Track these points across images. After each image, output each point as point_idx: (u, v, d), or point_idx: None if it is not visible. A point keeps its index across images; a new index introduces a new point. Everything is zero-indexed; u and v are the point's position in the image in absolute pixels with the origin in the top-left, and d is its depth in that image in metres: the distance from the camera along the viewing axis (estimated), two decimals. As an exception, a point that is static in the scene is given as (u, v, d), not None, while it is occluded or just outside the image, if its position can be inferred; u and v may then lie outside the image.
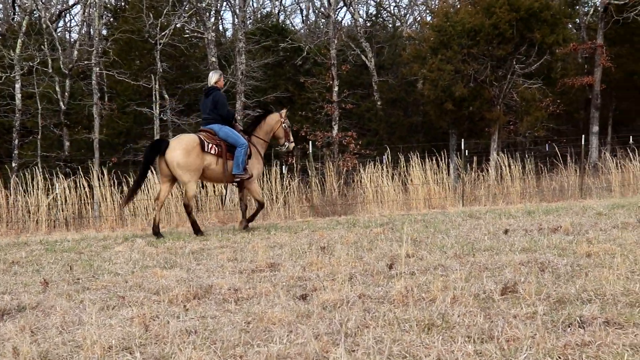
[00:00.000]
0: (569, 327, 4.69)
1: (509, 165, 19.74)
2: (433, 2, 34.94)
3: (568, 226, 9.80)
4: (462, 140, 20.63)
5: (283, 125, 13.20)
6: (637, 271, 6.41)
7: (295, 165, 21.78)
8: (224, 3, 33.85)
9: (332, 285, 6.28)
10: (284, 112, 13.47)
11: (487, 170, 20.46)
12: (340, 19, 42.95)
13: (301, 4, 45.94)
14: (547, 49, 23.05)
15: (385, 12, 38.47)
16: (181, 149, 11.83)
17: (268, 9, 42.99)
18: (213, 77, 12.56)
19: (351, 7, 33.16)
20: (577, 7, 33.80)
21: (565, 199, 18.59)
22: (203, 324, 5.22)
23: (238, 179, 12.46)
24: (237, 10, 29.18)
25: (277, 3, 43.97)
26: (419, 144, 26.87)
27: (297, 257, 8.33)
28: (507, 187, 19.55)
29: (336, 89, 27.47)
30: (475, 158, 20.50)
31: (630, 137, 23.49)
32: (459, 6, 24.99)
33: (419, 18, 37.49)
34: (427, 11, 34.81)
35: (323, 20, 39.21)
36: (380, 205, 18.25)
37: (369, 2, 39.12)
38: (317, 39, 33.45)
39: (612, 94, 31.79)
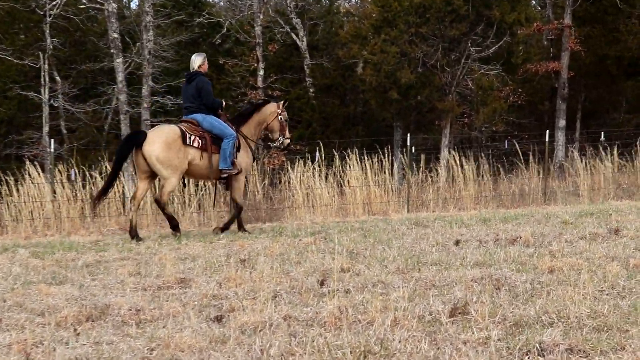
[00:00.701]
0: (527, 354, 4.79)
1: (462, 165, 19.99)
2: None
3: (529, 237, 9.99)
4: (409, 134, 20.82)
5: (279, 117, 13.56)
6: (606, 290, 6.58)
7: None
8: (128, -32, 33.51)
9: (253, 304, 6.29)
10: (281, 103, 13.88)
11: (437, 171, 20.68)
12: (266, -10, 42.85)
13: (220, -29, 45.75)
14: (507, 30, 23.42)
15: (318, -18, 38.56)
16: (160, 142, 12.10)
17: (181, -24, 42.65)
18: (197, 61, 12.85)
19: (280, -24, 33.18)
20: (543, -19, 34.47)
21: (526, 205, 18.91)
22: (97, 352, 5.17)
23: (225, 175, 12.77)
24: (144, -23, 28.95)
25: (192, -31, 43.68)
26: (358, 138, 27.01)
27: (212, 272, 8.31)
28: (459, 190, 19.79)
29: (262, 72, 27.43)
30: (423, 156, 20.71)
31: (602, 133, 24.04)
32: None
33: (360, -10, 37.71)
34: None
35: (246, -10, 39.11)
36: (311, 210, 18.30)
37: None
38: (239, 13, 33.27)
39: (581, 82, 32.46)
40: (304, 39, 30.24)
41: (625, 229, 10.67)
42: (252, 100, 14.12)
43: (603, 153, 21.35)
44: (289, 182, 19.12)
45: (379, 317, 5.64)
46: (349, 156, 19.10)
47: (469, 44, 23.35)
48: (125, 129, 23.51)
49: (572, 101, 31.38)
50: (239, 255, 9.41)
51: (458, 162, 20.07)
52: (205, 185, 18.16)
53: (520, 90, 29.20)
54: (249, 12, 29.71)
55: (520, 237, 10.02)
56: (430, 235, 10.99)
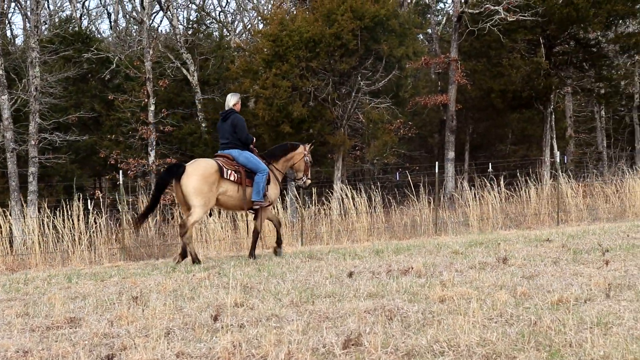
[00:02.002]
0: (419, 383, 4.84)
1: (353, 198, 20.16)
2: (265, 8, 35.43)
3: (420, 267, 10.10)
4: (301, 168, 20.88)
5: (305, 158, 14.36)
6: (495, 318, 6.70)
7: (102, 200, 21.36)
8: (12, 4, 32.86)
9: (145, 342, 6.20)
10: (308, 145, 14.64)
11: (330, 204, 20.82)
12: (156, 26, 42.71)
13: (108, 7, 45.43)
14: (396, 63, 23.79)
15: (209, 18, 38.62)
16: (198, 175, 12.82)
17: (68, 12, 42.19)
18: (231, 100, 13.67)
19: (169, 12, 33.07)
20: (429, 16, 35.19)
21: (418, 236, 19.18)
22: (-17, 397, 5.02)
23: (257, 207, 13.48)
24: (29, 13, 28.50)
25: (79, 5, 43.26)
26: (251, 172, 26.99)
27: (104, 310, 8.17)
28: (352, 222, 19.96)
29: (152, 107, 27.27)
30: (315, 189, 20.84)
31: (490, 164, 24.58)
32: (295, 12, 25.39)
33: (250, 26, 37.89)
34: (259, 18, 35.19)
35: (136, 26, 38.93)
36: (205, 245, 18.19)
37: (190, 6, 39.12)
38: (128, 48, 33.14)
39: (468, 115, 33.24)
40: (195, 74, 30.18)
41: (513, 257, 10.88)
42: (288, 142, 14.86)
43: (490, 184, 21.82)
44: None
45: (273, 351, 5.63)
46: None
47: (359, 78, 23.63)
48: (12, 167, 23.01)
49: (460, 133, 32.05)
50: (131, 293, 9.27)
51: (350, 194, 20.24)
52: (96, 223, 17.89)
53: (410, 123, 29.68)
54: (139, 48, 29.55)
55: (412, 268, 10.12)
56: (324, 267, 11.01)
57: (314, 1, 24.11)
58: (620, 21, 29.86)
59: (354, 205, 20.14)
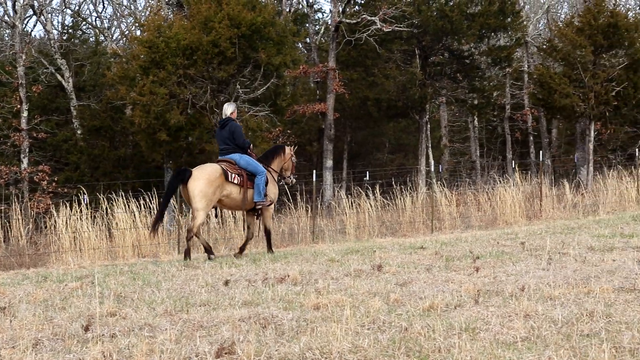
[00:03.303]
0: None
1: (232, 206, 20.09)
2: (143, 14, 35.04)
3: (297, 275, 10.16)
4: (178, 176, 20.72)
5: (292, 159, 15.70)
6: (367, 325, 6.79)
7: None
8: None
9: (12, 354, 6.06)
10: (292, 147, 16.12)
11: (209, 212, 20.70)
12: (29, 30, 41.74)
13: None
14: (274, 72, 23.82)
15: (85, 23, 37.94)
16: (204, 179, 13.75)
17: None
18: (228, 109, 14.73)
19: (42, 17, 32.32)
20: (307, 25, 35.39)
21: (295, 244, 19.25)
22: None
23: (260, 206, 14.53)
24: None
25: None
26: (128, 180, 26.64)
27: (-31, 322, 7.93)
28: (230, 230, 19.90)
29: (25, 114, 26.63)
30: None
31: (367, 172, 24.87)
32: (172, 19, 25.18)
33: (127, 32, 37.40)
34: (136, 24, 34.76)
35: (7, 31, 37.95)
36: (79, 254, 17.85)
37: (65, 11, 38.36)
38: (0, 53, 32.26)
39: (346, 124, 33.55)
40: (70, 80, 29.62)
41: (388, 265, 11.04)
42: (276, 145, 17.27)
43: (367, 192, 22.08)
44: (55, 226, 18.58)
45: (144, 361, 5.56)
46: (116, 199, 18.83)
47: (238, 86, 23.58)
48: None
49: (339, 142, 32.33)
50: None
51: (228, 202, 20.15)
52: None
53: (289, 131, 29.78)
54: (11, 53, 28.82)
55: (289, 276, 10.17)
56: (200, 276, 10.95)
57: (191, 8, 23.94)
58: (493, 34, 30.66)
59: (231, 213, 20.08)
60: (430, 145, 30.23)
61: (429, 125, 30.36)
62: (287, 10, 34.35)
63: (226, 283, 9.90)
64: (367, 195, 22.02)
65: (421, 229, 20.72)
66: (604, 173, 24.52)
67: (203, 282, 10.13)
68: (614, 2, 34.92)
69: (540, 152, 29.07)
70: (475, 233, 17.84)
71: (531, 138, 38.10)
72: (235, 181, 14.11)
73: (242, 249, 15.02)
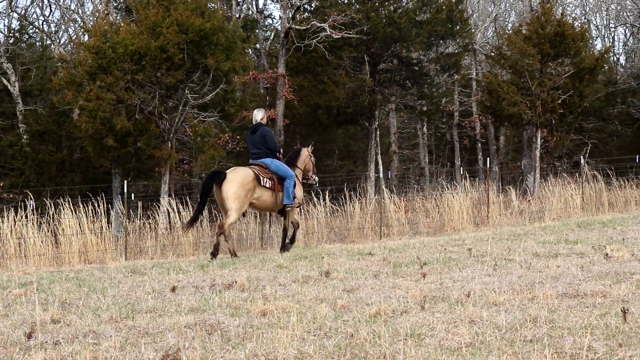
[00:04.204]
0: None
1: (180, 211, 20.02)
2: (90, 19, 34.74)
3: (244, 281, 10.14)
4: (126, 181, 20.62)
5: (311, 159, 16.72)
6: (314, 331, 6.80)
7: None
8: None
9: (-47, 363, 5.97)
10: (309, 148, 16.92)
11: (156, 218, 20.59)
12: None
13: None
14: (223, 77, 23.74)
15: (31, 27, 37.52)
16: (237, 182, 14.58)
17: None
18: (258, 115, 15.60)
19: (-12, 20, 31.96)
20: (257, 31, 35.38)
21: (244, 250, 19.22)
22: None
23: (289, 208, 15.41)
24: None
25: None
26: (75, 186, 26.39)
27: None
28: (178, 237, 19.79)
29: (-30, 118, 26.24)
30: (140, 203, 20.54)
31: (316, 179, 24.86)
32: (120, 24, 25.00)
33: (75, 36, 37.07)
34: (83, 29, 34.45)
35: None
36: (24, 260, 17.66)
37: (11, 14, 37.91)
38: (-57, 56, 31.80)
39: (296, 130, 33.56)
40: (16, 85, 29.29)
41: (336, 271, 11.07)
42: (296, 148, 18.12)
43: (316, 198, 22.12)
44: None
45: (88, 368, 5.52)
46: (62, 204, 18.65)
47: (186, 91, 23.46)
48: None
49: (288, 148, 32.27)
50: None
51: (177, 208, 20.09)
52: None
53: (238, 137, 29.72)
54: (-45, 55, 28.41)
55: (236, 282, 10.15)
56: (147, 282, 10.89)
57: (139, 14, 23.77)
58: (441, 42, 30.90)
59: (180, 219, 20.00)
60: (379, 152, 30.32)
61: (378, 132, 30.45)
62: (237, 16, 34.31)
63: (173, 289, 9.86)
64: (316, 201, 22.06)
65: (370, 235, 20.81)
66: (550, 180, 24.80)
67: (150, 289, 10.08)
68: (561, 11, 35.42)
69: (488, 159, 29.31)
70: (423, 239, 17.96)
71: (479, 145, 38.46)
72: (268, 185, 14.98)
73: (289, 242, 15.96)
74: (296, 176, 15.76)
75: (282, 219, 16.08)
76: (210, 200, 15.91)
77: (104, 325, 7.43)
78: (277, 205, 15.29)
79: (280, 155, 15.76)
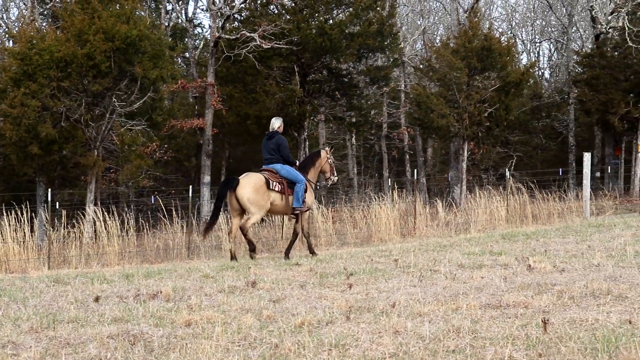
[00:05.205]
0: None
1: (106, 220, 19.79)
2: (15, 25, 34.24)
3: (169, 291, 10.05)
4: (50, 190, 20.33)
5: (329, 161, 16.94)
6: (238, 341, 6.77)
7: None
8: None
9: None
10: (328, 149, 17.34)
11: (81, 227, 20.32)
12: None
13: None
14: (151, 86, 23.58)
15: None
16: (250, 187, 15.23)
17: None
18: (276, 123, 16.26)
19: None
20: (186, 40, 35.24)
21: (170, 260, 19.07)
22: None
23: (298, 212, 15.93)
24: None
25: None
26: (-2, 194, 25.97)
27: None
28: (103, 246, 19.56)
29: None
30: (65, 211, 20.26)
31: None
32: (46, 31, 24.67)
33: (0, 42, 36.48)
34: (8, 35, 33.93)
35: None
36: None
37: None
38: None
39: (225, 140, 33.50)
40: (-62, 90, 28.68)
41: (263, 281, 11.03)
42: (312, 153, 19.01)
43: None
44: None
45: (6, 379, 5.41)
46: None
47: (114, 99, 23.24)
48: None
49: (217, 158, 32.23)
50: None
51: (103, 217, 19.85)
52: None
53: (166, 146, 29.55)
54: None
55: (161, 292, 10.05)
56: (70, 292, 10.72)
57: (65, 21, 23.49)
58: (371, 54, 31.12)
59: (105, 228, 19.76)
60: (308, 163, 30.38)
61: (307, 142, 30.54)
62: (166, 24, 34.12)
63: (96, 299, 9.73)
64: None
65: (297, 245, 20.79)
66: (476, 192, 25.09)
67: (72, 299, 9.92)
68: (488, 25, 35.96)
69: (416, 170, 29.57)
70: (351, 250, 18.01)
71: (407, 156, 38.81)
72: (276, 189, 15.49)
73: (310, 253, 16.36)
74: (309, 181, 16.26)
75: (296, 223, 16.58)
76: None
77: (23, 335, 7.29)
78: (288, 208, 15.87)
79: (296, 167, 16.16)
